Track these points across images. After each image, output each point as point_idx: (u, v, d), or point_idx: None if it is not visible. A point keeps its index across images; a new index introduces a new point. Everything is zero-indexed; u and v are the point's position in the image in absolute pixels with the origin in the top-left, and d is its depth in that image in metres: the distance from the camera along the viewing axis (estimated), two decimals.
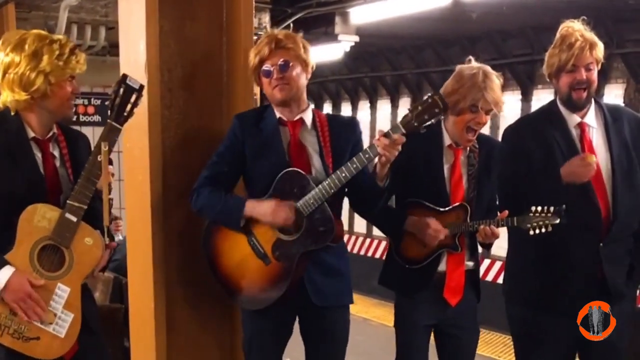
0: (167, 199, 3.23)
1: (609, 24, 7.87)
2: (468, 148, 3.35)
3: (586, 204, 3.19)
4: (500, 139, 3.51)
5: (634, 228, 3.31)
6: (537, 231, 3.13)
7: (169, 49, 3.29)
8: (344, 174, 2.90)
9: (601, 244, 3.22)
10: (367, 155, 2.89)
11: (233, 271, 3.08)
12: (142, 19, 3.21)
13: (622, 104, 8.15)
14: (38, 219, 2.73)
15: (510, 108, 9.92)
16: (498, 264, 9.92)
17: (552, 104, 3.37)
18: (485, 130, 3.70)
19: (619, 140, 3.28)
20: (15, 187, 2.75)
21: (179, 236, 3.26)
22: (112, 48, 7.76)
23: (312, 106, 3.17)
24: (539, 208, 3.13)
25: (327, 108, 14.00)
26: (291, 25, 7.97)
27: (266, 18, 7.72)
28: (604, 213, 3.21)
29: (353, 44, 8.73)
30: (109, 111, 2.79)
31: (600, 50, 3.22)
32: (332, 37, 8.54)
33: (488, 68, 3.30)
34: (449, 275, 3.33)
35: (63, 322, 2.77)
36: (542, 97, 9.45)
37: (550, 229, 3.12)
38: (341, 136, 3.12)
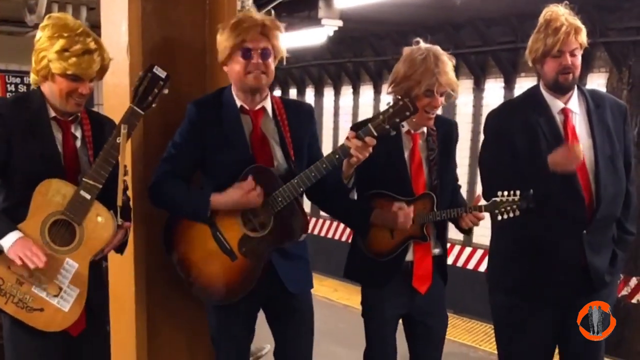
0: (148, 182, 3.19)
1: (592, 12, 7.88)
2: (426, 132, 3.34)
3: (569, 191, 3.20)
4: (482, 123, 3.52)
5: (617, 215, 3.33)
6: (505, 216, 3.17)
7: (151, 31, 3.27)
8: (313, 174, 2.89)
9: (584, 232, 3.23)
10: (337, 156, 2.88)
11: (198, 265, 3.05)
12: (124, 0, 3.17)
13: None
14: (52, 194, 2.80)
15: (493, 96, 9.94)
16: (479, 252, 9.98)
17: (535, 89, 3.38)
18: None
19: (602, 127, 3.29)
20: (32, 163, 2.82)
21: (160, 220, 3.23)
22: (94, 28, 7.66)
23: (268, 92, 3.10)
24: (506, 193, 3.17)
25: (310, 93, 13.96)
26: (272, 11, 7.92)
27: (249, 1, 7.65)
28: (587, 200, 3.23)
29: (336, 28, 8.69)
30: (132, 96, 2.84)
31: (584, 35, 3.24)
32: (315, 21, 8.50)
33: (438, 49, 3.28)
34: (417, 264, 3.34)
35: (68, 297, 2.84)
36: (524, 85, 9.44)
37: (517, 213, 3.15)
38: (300, 126, 3.10)
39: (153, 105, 2.86)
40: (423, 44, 3.30)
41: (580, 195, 3.20)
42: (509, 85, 9.69)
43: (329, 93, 13.77)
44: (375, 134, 2.85)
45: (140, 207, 3.21)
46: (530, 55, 3.30)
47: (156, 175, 3.03)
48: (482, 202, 3.25)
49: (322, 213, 12.58)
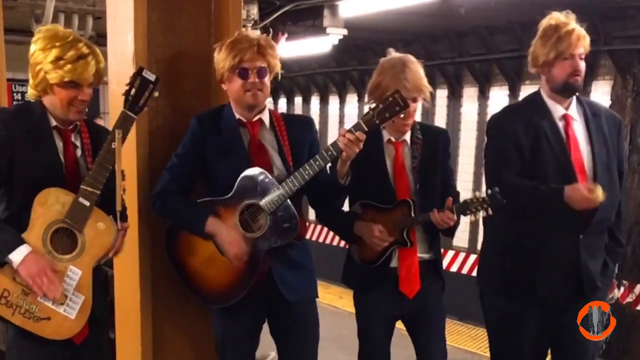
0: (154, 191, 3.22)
1: (596, 20, 7.87)
2: (409, 140, 3.39)
3: None
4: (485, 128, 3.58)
5: (612, 220, 3.38)
6: (479, 216, 3.22)
7: (157, 40, 3.29)
8: (307, 172, 2.94)
9: (581, 236, 3.27)
10: (329, 153, 2.93)
11: (198, 269, 3.10)
12: (130, 10, 3.20)
13: (610, 101, 8.19)
14: (52, 202, 2.80)
15: (497, 103, 9.93)
16: (473, 257, 9.97)
17: (536, 95, 3.43)
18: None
19: (599, 134, 3.35)
20: (35, 172, 2.83)
21: (165, 228, 3.25)
22: (100, 38, 7.71)
23: (268, 106, 3.19)
24: (477, 194, 3.23)
25: (315, 101, 13.97)
26: (271, 30, 7.94)
27: (254, 10, 7.68)
28: None
29: (341, 37, 8.71)
30: (124, 101, 2.85)
31: (587, 41, 3.31)
32: (320, 30, 8.51)
33: (409, 57, 3.36)
34: (401, 269, 3.39)
35: (74, 304, 2.84)
36: (529, 93, 9.46)
37: (490, 212, 3.20)
38: (298, 135, 3.17)
39: (145, 109, 2.88)
40: (395, 54, 3.40)
41: None
42: (513, 93, 9.67)
43: (334, 101, 13.76)
44: (366, 128, 2.90)
45: (145, 215, 3.24)
46: (536, 60, 3.35)
47: (160, 184, 3.11)
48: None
49: None
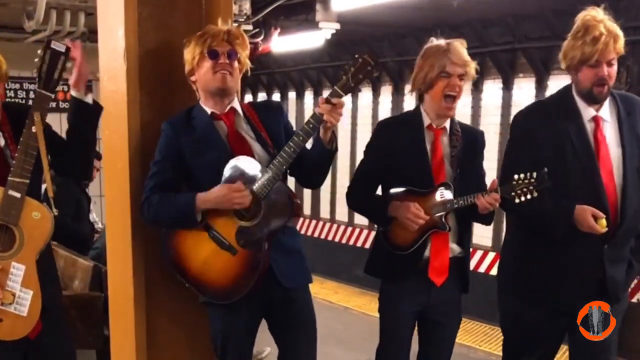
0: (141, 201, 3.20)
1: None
2: (449, 129, 3.36)
3: (595, 205, 3.11)
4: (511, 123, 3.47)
5: (638, 229, 3.27)
6: (523, 198, 3.13)
7: (147, 36, 3.27)
8: (292, 149, 2.91)
9: (605, 246, 3.18)
10: (310, 125, 2.91)
11: (201, 270, 3.04)
12: (120, 5, 3.18)
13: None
14: None
15: (491, 97, 9.92)
16: (479, 253, 9.96)
17: (568, 92, 3.28)
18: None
19: (632, 136, 3.20)
20: None
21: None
22: (92, 34, 7.67)
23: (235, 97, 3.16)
24: (522, 175, 3.13)
25: (309, 95, 13.95)
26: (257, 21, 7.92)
27: (246, 5, 7.66)
28: (612, 215, 3.15)
29: (334, 31, 8.69)
30: (37, 80, 2.78)
31: (622, 42, 3.15)
32: (312, 24, 8.50)
33: (453, 40, 3.34)
34: (433, 255, 3.34)
35: (23, 300, 2.78)
36: (523, 86, 9.45)
37: (535, 194, 3.12)
38: (272, 119, 3.15)
39: (60, 83, 2.81)
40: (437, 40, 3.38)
41: (606, 211, 3.13)
42: (507, 86, 9.65)
43: None
44: (342, 93, 2.89)
45: (137, 211, 3.22)
46: (564, 61, 3.21)
47: (144, 193, 3.05)
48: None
49: (321, 215, 12.60)
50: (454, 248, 3.40)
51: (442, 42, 3.32)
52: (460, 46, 3.30)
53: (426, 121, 3.36)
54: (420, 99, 3.42)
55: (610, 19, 3.14)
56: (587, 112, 3.21)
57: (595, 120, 3.21)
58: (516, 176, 3.14)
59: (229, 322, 3.12)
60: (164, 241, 3.08)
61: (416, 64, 3.37)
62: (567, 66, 3.21)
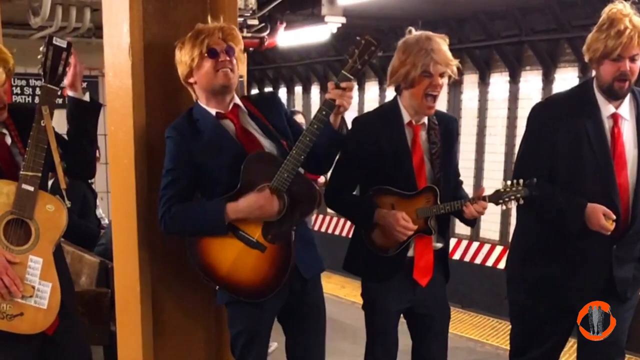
0: (152, 183, 3.20)
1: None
2: (427, 124, 3.32)
3: (606, 204, 3.10)
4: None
5: None
6: (509, 205, 3.15)
7: (152, 31, 3.26)
8: (308, 138, 2.88)
9: (615, 246, 3.17)
10: (324, 112, 2.89)
11: (231, 271, 2.99)
12: (125, 1, 3.18)
13: None
14: None
15: (498, 90, 9.90)
16: (487, 247, 9.95)
17: (588, 87, 3.24)
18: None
19: None
20: None
21: None
22: (97, 30, 7.68)
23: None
24: (508, 182, 3.15)
25: (315, 90, 13.95)
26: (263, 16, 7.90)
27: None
28: (623, 215, 3.14)
29: (340, 25, 8.69)
30: (42, 75, 2.81)
31: None
32: (318, 18, 8.51)
33: (430, 33, 3.28)
34: (418, 257, 3.31)
35: (43, 293, 2.81)
36: (530, 79, 9.43)
37: (521, 201, 3.13)
38: (274, 112, 3.13)
39: (64, 78, 2.86)
40: (415, 32, 3.32)
41: (618, 211, 3.11)
42: (514, 79, 9.64)
43: None
44: (351, 77, 2.90)
45: (143, 206, 3.22)
46: (587, 54, 3.16)
47: (161, 205, 2.99)
48: (486, 193, 3.22)
49: (328, 210, 12.59)
50: (436, 245, 3.37)
51: (422, 36, 3.25)
52: (443, 44, 3.22)
53: (406, 118, 3.29)
54: (397, 92, 3.36)
55: (637, 13, 3.08)
56: (607, 108, 3.17)
57: (614, 117, 3.17)
58: (503, 183, 3.16)
59: (254, 320, 3.07)
60: (188, 247, 3.02)
61: (396, 57, 3.28)
62: (590, 59, 3.16)
